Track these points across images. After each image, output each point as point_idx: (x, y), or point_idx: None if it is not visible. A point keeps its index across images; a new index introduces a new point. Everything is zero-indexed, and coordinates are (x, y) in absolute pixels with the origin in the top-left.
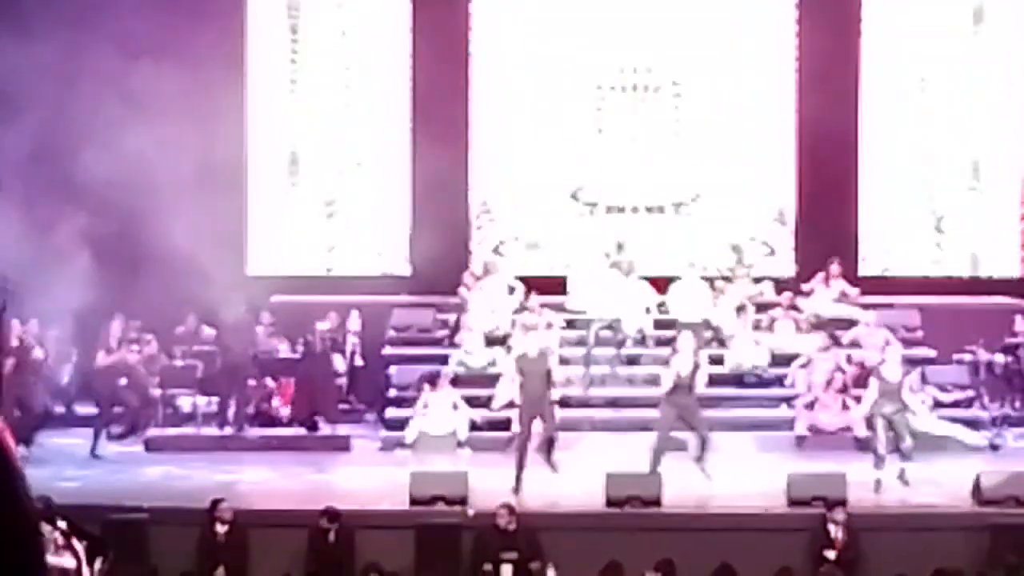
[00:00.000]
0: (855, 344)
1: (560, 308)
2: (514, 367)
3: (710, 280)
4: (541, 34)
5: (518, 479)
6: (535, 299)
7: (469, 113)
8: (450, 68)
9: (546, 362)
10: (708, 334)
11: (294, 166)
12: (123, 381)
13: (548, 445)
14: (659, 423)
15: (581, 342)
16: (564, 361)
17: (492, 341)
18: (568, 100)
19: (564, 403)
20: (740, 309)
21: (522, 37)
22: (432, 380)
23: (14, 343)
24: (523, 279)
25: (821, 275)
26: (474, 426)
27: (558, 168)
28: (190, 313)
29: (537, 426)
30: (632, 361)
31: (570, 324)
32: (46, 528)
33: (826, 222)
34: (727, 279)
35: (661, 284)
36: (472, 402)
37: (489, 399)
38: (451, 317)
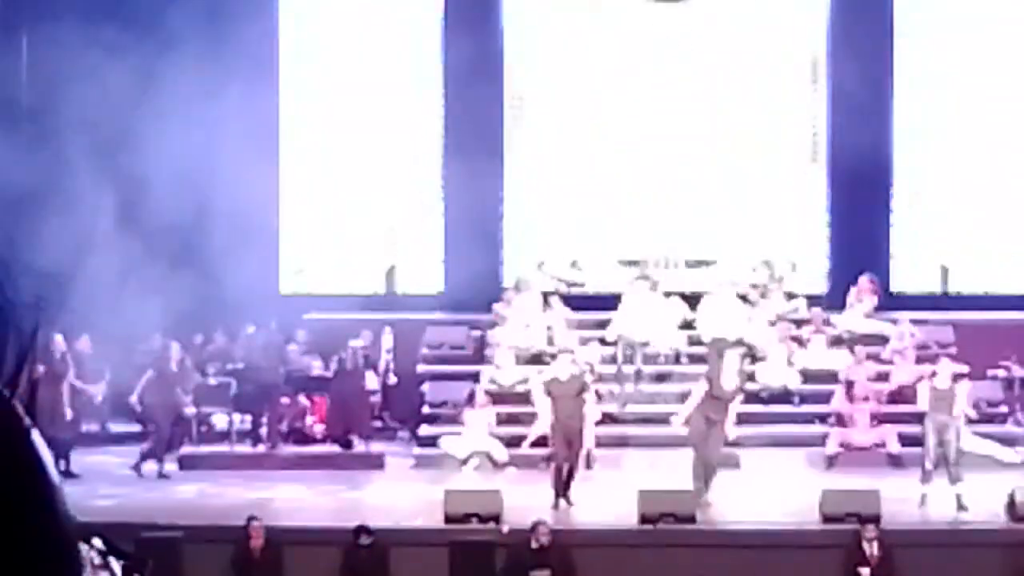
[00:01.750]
0: (887, 361)
1: (596, 325)
2: (543, 391)
3: (743, 297)
4: (575, 51)
5: (556, 496)
6: (561, 313)
7: (503, 129)
8: (483, 84)
9: (578, 385)
10: (742, 351)
11: (327, 185)
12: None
13: (570, 470)
14: (692, 436)
15: (614, 360)
16: (598, 378)
17: (525, 359)
18: (600, 118)
19: (600, 421)
20: (772, 325)
21: (555, 54)
22: (470, 398)
23: (56, 357)
24: (563, 297)
25: (854, 290)
26: (507, 443)
27: (591, 186)
28: (219, 331)
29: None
30: (662, 378)
31: (603, 341)
32: (83, 547)
33: (859, 239)
34: (762, 295)
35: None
36: (505, 419)
37: (521, 416)
38: (484, 334)
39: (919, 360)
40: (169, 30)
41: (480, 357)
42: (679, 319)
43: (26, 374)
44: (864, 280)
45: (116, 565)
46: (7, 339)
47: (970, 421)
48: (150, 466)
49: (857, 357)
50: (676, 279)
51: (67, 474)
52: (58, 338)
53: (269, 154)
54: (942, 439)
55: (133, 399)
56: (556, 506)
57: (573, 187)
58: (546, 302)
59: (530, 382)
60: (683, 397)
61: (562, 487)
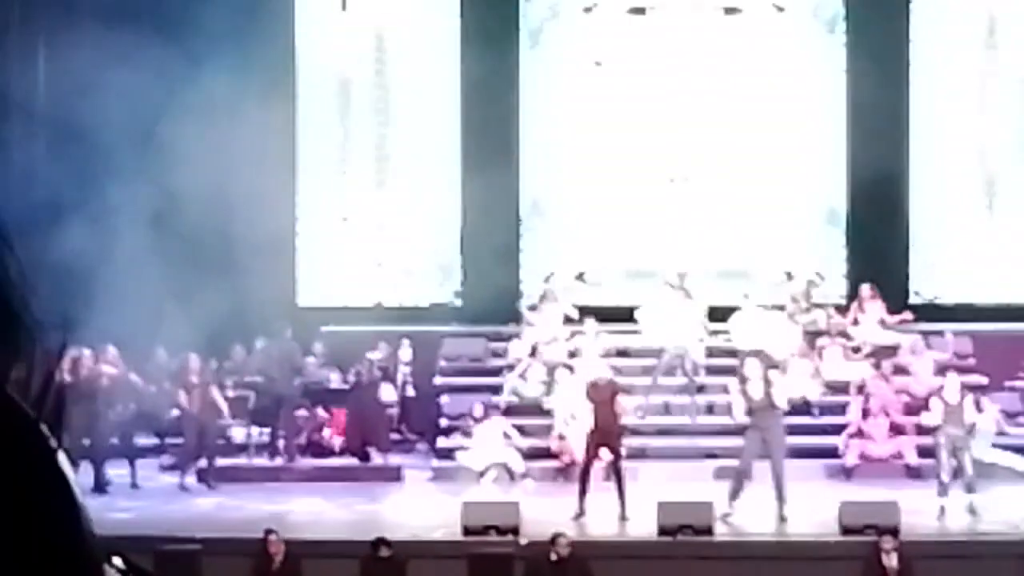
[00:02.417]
0: (904, 371)
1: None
2: (583, 393)
3: (777, 308)
4: (592, 56)
5: (581, 504)
6: (590, 324)
7: (520, 140)
8: (500, 95)
9: (614, 388)
10: (765, 361)
11: (344, 196)
12: (176, 412)
13: (617, 478)
14: (744, 450)
15: (647, 372)
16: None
17: (549, 370)
18: (623, 129)
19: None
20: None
21: (573, 66)
22: (488, 410)
23: (82, 372)
24: (582, 308)
25: (855, 304)
26: (525, 455)
27: (612, 196)
28: (237, 344)
29: (605, 454)
30: (689, 391)
31: (622, 353)
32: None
33: (877, 251)
34: (793, 302)
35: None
36: (524, 431)
37: (540, 428)
38: (505, 346)
39: (938, 372)
40: (187, 41)
41: (502, 368)
42: (704, 331)
43: (53, 394)
44: (865, 289)
45: None
46: (34, 360)
47: (999, 433)
48: (172, 478)
49: (883, 372)
50: (701, 291)
51: (99, 488)
52: (86, 352)
53: (287, 165)
54: (955, 452)
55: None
56: (578, 516)
57: (592, 199)
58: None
59: (552, 394)
60: (707, 408)
61: (585, 496)
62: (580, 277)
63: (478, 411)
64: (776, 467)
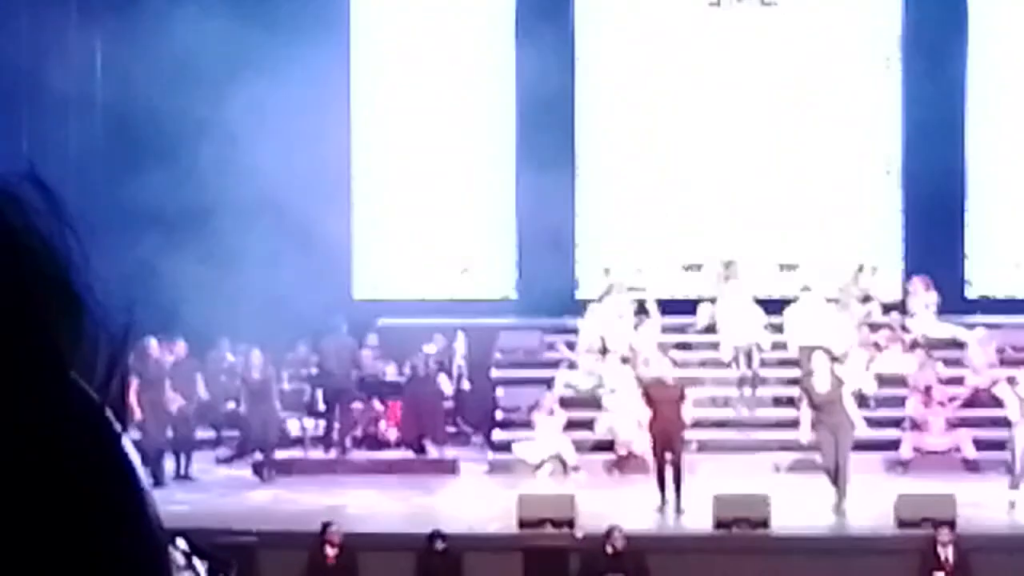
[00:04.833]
0: (962, 364)
1: (679, 329)
2: (644, 391)
3: (831, 301)
4: (647, 55)
5: (662, 495)
6: (654, 321)
7: (575, 134)
8: (555, 88)
9: (679, 390)
10: (828, 355)
11: (400, 190)
12: (232, 405)
13: (676, 475)
14: (822, 449)
15: (704, 364)
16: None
17: (606, 363)
18: (676, 124)
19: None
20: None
21: (627, 58)
22: (543, 403)
23: (149, 362)
24: (639, 302)
25: (909, 297)
26: (580, 448)
27: (665, 191)
28: (300, 341)
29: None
30: (750, 383)
31: (680, 346)
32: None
33: (933, 244)
34: (837, 300)
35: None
36: (580, 424)
37: (593, 422)
38: (562, 339)
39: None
40: (243, 37)
41: (558, 361)
42: (762, 323)
43: (118, 379)
44: (916, 281)
45: (200, 565)
46: (98, 344)
47: None
48: (228, 471)
49: (919, 360)
50: (760, 283)
51: (155, 480)
52: (152, 343)
53: (342, 160)
54: None
55: (231, 405)
56: (661, 507)
57: (646, 193)
58: (642, 310)
59: (608, 385)
60: (763, 401)
61: (665, 489)
62: (636, 270)
63: (548, 401)
64: (842, 460)
